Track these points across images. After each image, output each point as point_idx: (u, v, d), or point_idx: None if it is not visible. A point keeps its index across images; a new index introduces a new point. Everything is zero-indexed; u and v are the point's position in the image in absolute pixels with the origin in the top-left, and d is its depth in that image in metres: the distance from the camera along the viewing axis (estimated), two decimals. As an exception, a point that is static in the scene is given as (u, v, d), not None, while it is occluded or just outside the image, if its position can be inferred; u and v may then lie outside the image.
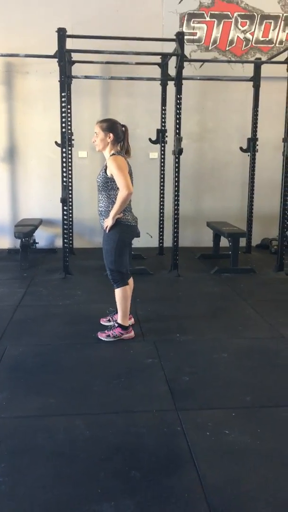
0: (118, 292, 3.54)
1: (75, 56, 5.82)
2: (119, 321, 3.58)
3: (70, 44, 5.23)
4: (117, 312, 3.63)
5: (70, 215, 5.61)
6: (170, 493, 1.95)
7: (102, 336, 3.56)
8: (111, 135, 3.41)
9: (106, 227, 3.42)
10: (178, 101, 5.20)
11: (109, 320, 3.82)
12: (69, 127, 5.75)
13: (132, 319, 3.87)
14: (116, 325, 3.58)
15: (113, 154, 3.40)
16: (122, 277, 3.52)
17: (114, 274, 3.51)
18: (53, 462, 2.15)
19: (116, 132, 3.42)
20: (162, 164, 6.32)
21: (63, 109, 5.12)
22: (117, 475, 2.06)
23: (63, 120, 5.13)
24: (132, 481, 2.02)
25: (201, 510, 1.87)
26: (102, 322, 3.86)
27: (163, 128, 6.22)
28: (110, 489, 1.97)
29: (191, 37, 6.52)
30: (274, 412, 2.60)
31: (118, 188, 3.37)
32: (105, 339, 3.54)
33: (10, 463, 2.14)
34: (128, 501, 1.91)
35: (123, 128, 3.49)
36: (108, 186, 3.41)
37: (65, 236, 5.39)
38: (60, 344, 3.49)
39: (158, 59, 5.98)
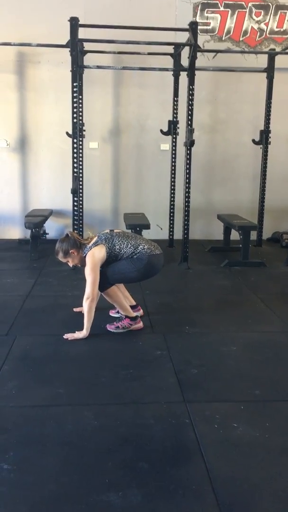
0: (105, 294, 3.54)
1: (87, 46, 5.78)
2: (123, 313, 3.59)
3: (82, 33, 5.19)
4: None
5: (81, 206, 5.60)
6: (178, 485, 1.95)
7: (111, 328, 3.57)
8: (73, 251, 3.51)
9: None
10: (190, 92, 5.15)
11: (117, 312, 3.82)
12: (80, 118, 5.72)
13: (141, 311, 3.87)
14: (124, 316, 3.59)
15: (86, 252, 3.47)
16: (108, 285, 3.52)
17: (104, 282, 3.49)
18: (61, 452, 2.16)
19: (72, 245, 3.51)
20: (173, 156, 6.28)
21: (75, 99, 5.10)
22: (125, 466, 2.06)
23: (75, 110, 5.11)
24: (140, 472, 2.03)
25: (208, 502, 1.87)
26: (111, 314, 3.86)
27: (174, 119, 6.17)
28: (118, 480, 1.98)
29: (205, 27, 6.44)
30: (283, 406, 2.59)
31: (115, 256, 3.49)
32: (114, 331, 3.54)
33: (18, 451, 2.15)
34: (135, 491, 1.91)
35: (68, 236, 3.56)
36: (110, 261, 3.49)
37: (75, 227, 5.39)
38: (69, 334, 3.49)
39: (170, 49, 5.92)
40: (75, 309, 3.92)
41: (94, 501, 1.85)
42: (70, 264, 3.61)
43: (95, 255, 3.43)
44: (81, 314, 3.49)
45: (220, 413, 2.48)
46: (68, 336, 3.40)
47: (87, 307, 3.39)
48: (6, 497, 1.88)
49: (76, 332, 3.42)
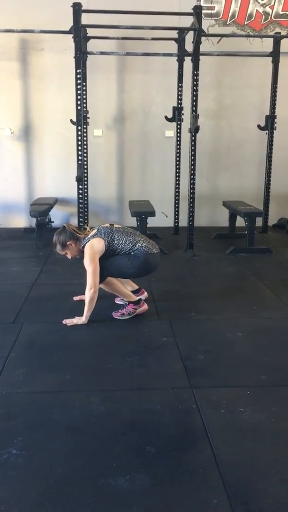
0: (102, 285, 3.54)
1: (90, 32, 5.73)
2: (125, 300, 3.62)
3: (85, 19, 5.14)
4: None
5: (86, 194, 5.59)
6: (185, 469, 1.97)
7: (116, 315, 3.58)
8: (70, 243, 3.51)
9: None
10: (195, 77, 5.11)
11: (122, 299, 3.83)
12: (84, 105, 5.68)
13: (146, 293, 3.89)
14: (127, 302, 3.60)
15: (85, 244, 3.48)
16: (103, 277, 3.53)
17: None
18: (69, 437, 2.18)
19: (69, 237, 3.51)
20: (178, 143, 6.24)
21: (79, 86, 5.07)
22: (132, 450, 2.08)
23: (79, 97, 5.09)
24: (147, 456, 2.04)
25: (215, 486, 1.88)
26: (116, 301, 3.87)
27: (179, 105, 6.12)
28: (125, 464, 2.00)
29: (209, 11, 6.36)
30: (289, 391, 2.60)
31: (113, 251, 3.49)
32: (120, 318, 3.55)
33: (26, 437, 2.17)
34: (143, 475, 1.93)
35: (64, 228, 3.55)
36: (107, 256, 3.48)
37: (81, 215, 5.39)
38: (75, 322, 3.51)
39: (174, 34, 5.86)
40: (75, 298, 3.92)
41: (101, 485, 1.87)
42: (69, 256, 3.60)
43: (94, 246, 3.43)
44: (84, 303, 3.50)
45: (227, 398, 2.49)
46: (67, 321, 3.43)
47: (89, 297, 3.40)
48: (15, 481, 1.90)
49: (76, 317, 3.45)
